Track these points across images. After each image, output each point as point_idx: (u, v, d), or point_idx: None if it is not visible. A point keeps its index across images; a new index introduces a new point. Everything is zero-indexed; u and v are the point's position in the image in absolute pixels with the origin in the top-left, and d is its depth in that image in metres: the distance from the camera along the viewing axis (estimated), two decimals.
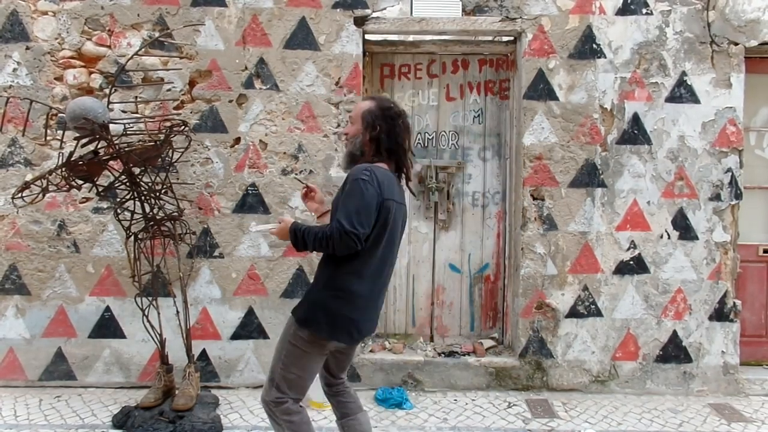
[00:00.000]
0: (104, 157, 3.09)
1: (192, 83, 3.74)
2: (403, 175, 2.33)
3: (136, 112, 3.70)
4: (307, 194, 2.54)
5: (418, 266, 4.16)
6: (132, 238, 3.36)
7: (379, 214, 2.12)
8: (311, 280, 3.73)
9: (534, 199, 3.81)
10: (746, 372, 3.96)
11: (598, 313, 3.83)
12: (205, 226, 3.76)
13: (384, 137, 2.22)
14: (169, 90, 3.71)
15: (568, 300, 3.82)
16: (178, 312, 3.50)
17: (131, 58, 3.23)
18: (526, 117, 3.80)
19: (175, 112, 3.68)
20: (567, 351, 3.83)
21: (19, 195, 3.08)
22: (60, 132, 3.20)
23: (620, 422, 3.42)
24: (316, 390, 3.48)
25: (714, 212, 3.82)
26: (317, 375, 2.27)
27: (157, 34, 3.64)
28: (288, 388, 2.17)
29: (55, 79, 3.71)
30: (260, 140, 3.77)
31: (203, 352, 3.77)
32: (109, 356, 3.77)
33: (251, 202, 3.77)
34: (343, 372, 2.39)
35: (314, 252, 2.42)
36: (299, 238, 2.15)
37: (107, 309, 3.76)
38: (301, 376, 2.18)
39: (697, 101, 3.80)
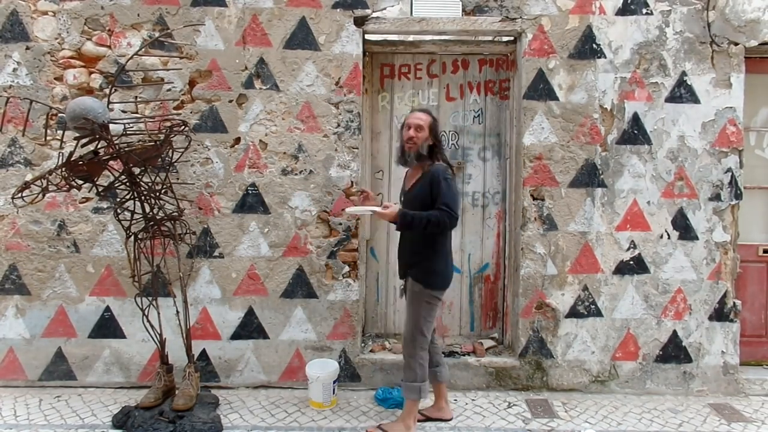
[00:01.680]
0: (104, 157, 3.09)
1: (192, 83, 3.74)
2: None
3: (136, 112, 3.70)
4: (367, 196, 3.35)
5: None
6: (132, 238, 3.37)
7: None
8: (311, 280, 3.77)
9: (534, 199, 3.81)
10: (746, 372, 3.96)
11: (598, 313, 3.83)
12: (205, 226, 3.77)
13: (437, 142, 3.13)
14: (169, 90, 3.72)
15: (568, 300, 3.82)
16: (178, 312, 3.51)
17: (131, 58, 3.23)
18: (526, 117, 3.80)
19: (175, 112, 3.68)
20: (567, 351, 3.83)
21: (19, 195, 3.08)
22: (60, 132, 3.21)
23: (620, 422, 3.42)
24: (315, 390, 3.50)
25: (714, 212, 3.82)
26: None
27: (157, 34, 3.64)
28: (427, 332, 3.11)
29: (55, 79, 3.71)
30: (260, 140, 3.77)
31: (203, 352, 3.78)
32: (109, 356, 3.77)
33: (251, 202, 3.77)
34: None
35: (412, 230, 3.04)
36: (408, 220, 2.96)
37: (107, 309, 3.77)
38: (431, 322, 3.14)
39: (697, 101, 3.80)
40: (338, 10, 3.75)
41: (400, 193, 3.37)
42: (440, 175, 3.00)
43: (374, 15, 3.77)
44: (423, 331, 3.09)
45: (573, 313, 3.83)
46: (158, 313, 3.47)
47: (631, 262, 3.82)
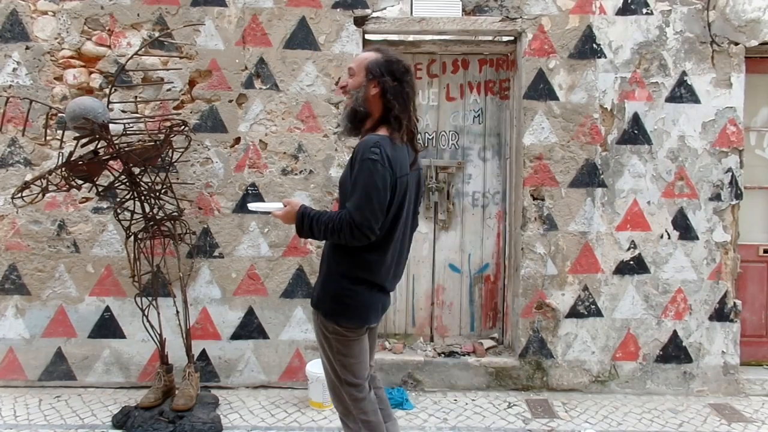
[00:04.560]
0: (104, 157, 3.09)
1: (192, 83, 3.74)
2: (415, 143, 2.17)
3: (136, 112, 3.69)
4: None
5: (418, 266, 4.15)
6: (132, 238, 3.36)
7: (393, 196, 2.00)
8: (311, 280, 3.76)
9: (534, 199, 3.81)
10: (746, 372, 3.95)
11: (598, 313, 3.83)
12: (205, 226, 3.76)
13: (390, 97, 2.05)
14: (169, 90, 3.71)
15: (568, 300, 3.82)
16: (178, 312, 3.51)
17: (131, 57, 3.23)
18: (526, 117, 3.80)
19: (175, 111, 3.68)
20: (567, 351, 3.83)
21: (19, 195, 3.08)
22: (60, 132, 3.20)
23: (620, 422, 3.42)
24: (315, 390, 3.50)
25: (714, 212, 3.81)
26: (367, 362, 2.21)
27: (157, 34, 3.64)
28: (354, 376, 2.13)
29: (55, 78, 3.71)
30: (260, 140, 3.76)
31: (203, 352, 3.77)
32: (109, 356, 3.77)
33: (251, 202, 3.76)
34: (372, 356, 2.31)
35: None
36: (306, 225, 2.02)
37: (107, 309, 3.76)
38: (360, 362, 2.14)
39: (697, 101, 3.79)
40: (338, 10, 3.75)
41: None
42: (360, 153, 1.98)
43: (374, 15, 3.77)
44: (347, 378, 2.13)
45: (573, 313, 3.82)
46: (158, 313, 3.46)
47: (632, 262, 3.82)
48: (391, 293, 2.26)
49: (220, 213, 3.77)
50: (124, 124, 3.26)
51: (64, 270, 3.74)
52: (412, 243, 2.31)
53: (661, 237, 3.82)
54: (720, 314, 3.83)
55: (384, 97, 2.06)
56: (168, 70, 3.66)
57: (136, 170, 3.25)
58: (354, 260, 2.07)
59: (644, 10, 3.77)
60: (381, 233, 2.01)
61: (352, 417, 2.15)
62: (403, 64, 2.12)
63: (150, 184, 3.32)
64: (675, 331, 3.83)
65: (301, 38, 3.75)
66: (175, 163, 3.50)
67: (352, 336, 2.10)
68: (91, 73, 3.72)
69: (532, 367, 3.83)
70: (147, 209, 3.35)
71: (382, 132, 2.07)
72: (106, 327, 3.76)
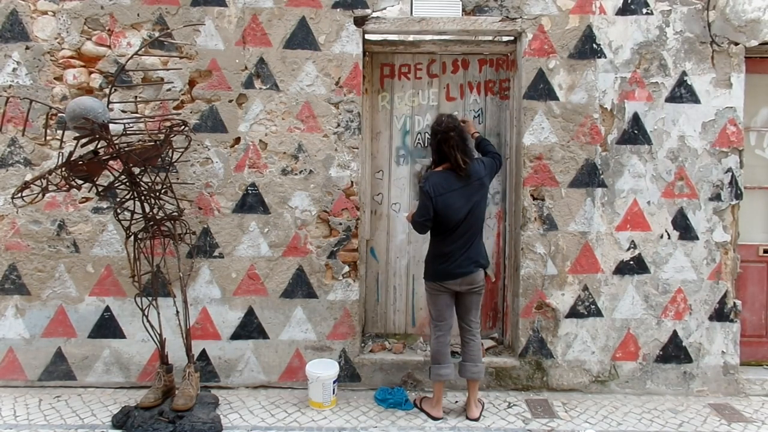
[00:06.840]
0: (104, 157, 3.09)
1: (192, 83, 3.74)
2: (459, 171, 3.25)
3: (136, 112, 3.70)
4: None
5: (418, 266, 4.14)
6: (132, 238, 3.37)
7: (436, 206, 3.21)
8: (311, 280, 3.77)
9: (534, 199, 3.81)
10: (746, 372, 3.95)
11: (598, 313, 3.83)
12: (205, 226, 3.76)
13: (434, 149, 3.32)
14: (169, 90, 3.71)
15: (568, 300, 3.82)
16: (177, 312, 3.51)
17: (131, 57, 3.23)
18: (526, 117, 3.80)
19: (175, 111, 3.68)
20: (567, 351, 3.83)
21: (19, 195, 3.08)
22: (60, 132, 3.20)
23: (620, 422, 3.42)
24: (315, 390, 3.50)
25: (714, 212, 3.82)
26: (447, 312, 3.39)
27: (157, 34, 3.64)
28: (435, 318, 3.41)
29: (55, 78, 3.71)
30: (260, 140, 3.76)
31: (203, 352, 3.77)
32: (109, 356, 3.77)
33: (251, 202, 3.77)
34: (467, 315, 3.42)
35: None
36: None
37: (107, 309, 3.76)
38: (437, 309, 3.39)
39: (697, 101, 3.79)
40: (338, 9, 3.75)
41: None
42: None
43: (374, 15, 3.77)
44: (431, 317, 3.47)
45: (573, 313, 3.82)
46: (158, 313, 3.46)
47: (631, 262, 3.82)
48: (474, 270, 3.32)
49: (220, 213, 3.77)
50: (124, 124, 3.26)
51: (64, 270, 3.74)
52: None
53: (661, 237, 3.82)
54: (720, 314, 3.83)
55: (433, 150, 3.36)
56: (168, 70, 3.66)
57: (136, 170, 3.25)
58: (430, 245, 3.42)
59: (644, 10, 3.78)
60: (440, 229, 3.28)
61: (430, 336, 3.48)
62: (436, 128, 3.30)
63: (150, 184, 3.31)
64: (675, 331, 3.83)
65: (301, 38, 3.75)
66: (175, 163, 3.50)
67: (431, 291, 3.40)
68: (91, 73, 3.72)
69: (532, 367, 3.83)
70: (147, 209, 3.35)
71: (439, 167, 3.32)
72: (106, 327, 3.77)
